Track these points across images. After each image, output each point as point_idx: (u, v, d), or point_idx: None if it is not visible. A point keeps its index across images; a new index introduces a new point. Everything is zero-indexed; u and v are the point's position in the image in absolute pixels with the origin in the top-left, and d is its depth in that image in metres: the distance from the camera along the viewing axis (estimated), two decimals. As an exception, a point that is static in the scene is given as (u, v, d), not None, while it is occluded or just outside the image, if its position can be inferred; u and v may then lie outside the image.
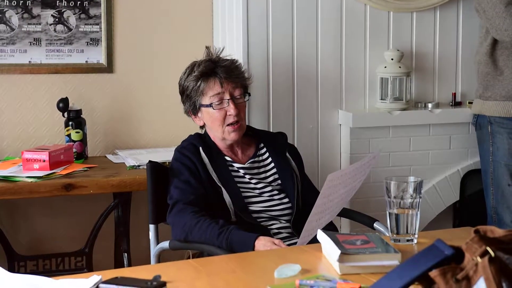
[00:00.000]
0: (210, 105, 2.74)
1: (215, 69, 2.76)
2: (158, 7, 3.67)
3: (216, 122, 2.75)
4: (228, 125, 2.74)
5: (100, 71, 3.61)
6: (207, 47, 2.89)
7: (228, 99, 2.74)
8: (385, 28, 3.63)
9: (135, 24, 3.64)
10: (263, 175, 2.81)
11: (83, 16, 3.55)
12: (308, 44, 3.51)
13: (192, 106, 2.79)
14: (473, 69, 3.54)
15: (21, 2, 3.46)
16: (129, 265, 3.35)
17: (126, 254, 3.38)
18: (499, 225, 3.37)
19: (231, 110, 2.73)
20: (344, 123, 3.55)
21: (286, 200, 2.76)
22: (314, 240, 2.13)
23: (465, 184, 3.75)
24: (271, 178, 2.81)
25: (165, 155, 3.24)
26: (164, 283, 1.72)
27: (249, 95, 2.87)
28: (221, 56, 2.84)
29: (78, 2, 3.54)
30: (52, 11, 3.51)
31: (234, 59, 2.86)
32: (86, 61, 3.58)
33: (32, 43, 3.50)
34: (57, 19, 3.52)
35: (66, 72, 3.56)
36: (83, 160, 3.39)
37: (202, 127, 2.86)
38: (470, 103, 3.63)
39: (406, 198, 2.08)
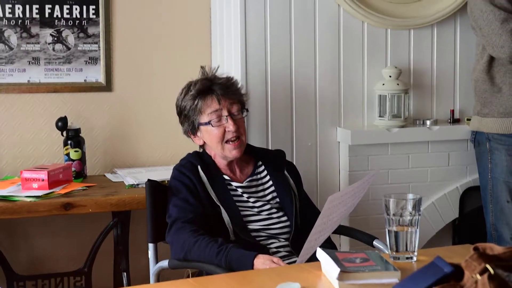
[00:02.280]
0: (208, 123, 2.74)
1: (212, 86, 2.77)
2: (157, 26, 3.68)
3: (215, 139, 2.75)
4: (227, 142, 2.74)
5: (99, 89, 3.61)
6: (202, 67, 2.89)
7: (226, 116, 2.74)
8: (382, 46, 3.64)
9: (133, 42, 3.66)
10: (261, 193, 2.80)
11: (81, 35, 3.56)
12: (306, 62, 3.51)
13: (191, 125, 2.79)
14: (471, 85, 3.54)
15: (19, 21, 3.47)
16: (129, 284, 3.34)
17: (125, 273, 3.37)
18: (498, 242, 3.37)
19: (230, 126, 2.73)
20: (342, 140, 3.56)
21: (284, 218, 2.76)
22: (314, 258, 2.12)
23: (464, 201, 3.75)
24: (269, 196, 2.81)
25: (164, 174, 3.24)
26: (163, 303, 1.72)
27: (247, 110, 2.87)
28: (216, 74, 2.85)
29: (77, 21, 3.55)
30: (50, 30, 3.52)
31: (230, 76, 2.87)
32: (85, 80, 3.59)
33: (31, 62, 3.51)
34: (55, 38, 3.53)
35: (65, 91, 3.56)
36: (82, 179, 3.39)
37: (201, 146, 2.86)
38: (469, 120, 3.63)
39: (405, 216, 2.08)
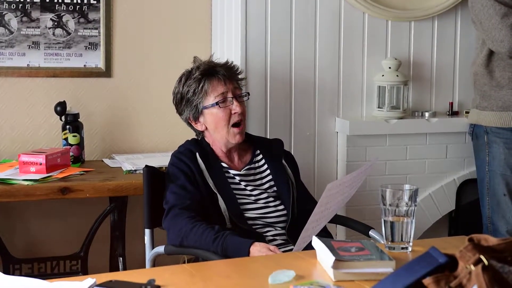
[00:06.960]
0: (215, 104, 2.73)
1: (215, 68, 2.77)
2: (158, 13, 3.68)
3: (221, 122, 2.74)
4: (233, 125, 2.74)
5: (98, 75, 3.61)
6: (195, 57, 2.88)
7: (231, 97, 2.75)
8: (383, 37, 3.64)
9: (134, 29, 3.65)
10: (258, 182, 2.81)
11: (82, 20, 3.56)
12: (306, 52, 3.51)
13: (193, 110, 2.78)
14: (470, 79, 3.55)
15: (20, 5, 3.47)
16: (124, 269, 3.35)
17: (121, 258, 3.38)
18: (494, 235, 3.36)
19: (236, 108, 2.74)
20: (341, 130, 3.56)
21: (281, 207, 2.76)
22: (309, 247, 2.13)
23: (461, 193, 3.76)
24: (267, 185, 2.81)
25: (162, 160, 3.25)
26: (159, 287, 1.73)
27: (248, 94, 2.88)
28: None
29: (78, 6, 3.54)
30: (51, 15, 3.52)
31: (228, 60, 2.88)
32: (84, 65, 3.59)
33: (30, 47, 3.50)
34: (56, 23, 3.53)
35: (64, 76, 3.56)
36: (80, 164, 3.39)
37: (201, 132, 2.84)
38: (467, 112, 3.64)
39: (402, 206, 2.08)
